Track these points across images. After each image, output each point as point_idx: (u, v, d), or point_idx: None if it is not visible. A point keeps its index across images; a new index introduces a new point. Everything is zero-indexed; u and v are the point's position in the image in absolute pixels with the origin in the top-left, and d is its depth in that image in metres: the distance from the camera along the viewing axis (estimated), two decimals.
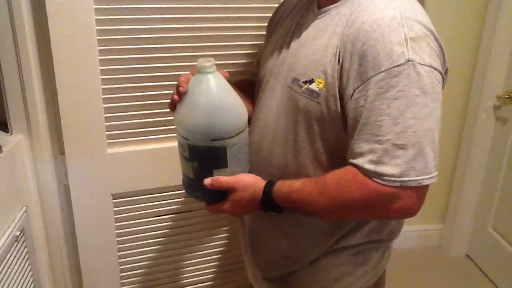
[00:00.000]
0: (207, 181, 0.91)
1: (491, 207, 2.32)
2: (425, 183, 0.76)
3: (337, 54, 0.82)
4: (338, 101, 0.83)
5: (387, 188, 0.76)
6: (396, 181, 0.76)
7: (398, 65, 0.75)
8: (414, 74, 0.75)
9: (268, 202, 0.90)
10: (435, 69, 0.79)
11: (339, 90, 0.82)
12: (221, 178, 0.91)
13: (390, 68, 0.75)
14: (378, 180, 0.77)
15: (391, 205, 0.78)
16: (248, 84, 1.17)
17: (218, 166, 0.90)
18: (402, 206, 0.78)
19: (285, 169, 0.94)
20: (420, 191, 0.78)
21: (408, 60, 0.75)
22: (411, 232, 2.56)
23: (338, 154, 0.86)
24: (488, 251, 2.37)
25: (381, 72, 0.76)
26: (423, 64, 0.76)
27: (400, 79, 0.75)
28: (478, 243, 2.46)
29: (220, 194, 0.93)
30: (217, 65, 0.87)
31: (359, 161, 0.79)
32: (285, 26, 1.02)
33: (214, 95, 0.87)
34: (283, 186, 0.89)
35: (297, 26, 0.96)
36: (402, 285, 2.27)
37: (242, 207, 0.94)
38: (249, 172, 0.96)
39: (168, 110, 0.96)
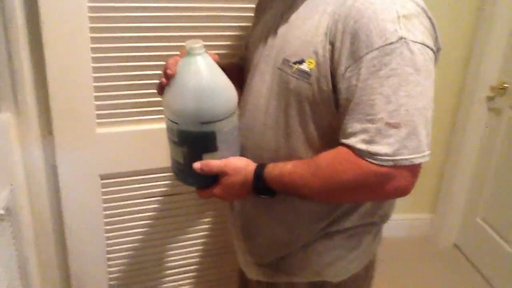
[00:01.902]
0: (197, 165, 0.90)
1: (481, 198, 2.33)
2: (418, 161, 0.76)
3: (329, 33, 0.81)
4: (330, 82, 0.82)
5: (380, 167, 0.76)
6: (388, 160, 0.75)
7: (390, 43, 0.74)
8: (407, 51, 0.75)
9: (260, 185, 0.89)
10: (428, 46, 0.78)
11: (330, 70, 0.81)
12: (211, 162, 0.90)
13: (382, 46, 0.75)
14: (370, 160, 0.76)
15: (384, 185, 0.78)
16: (236, 67, 1.16)
17: (208, 150, 0.89)
18: (395, 185, 0.78)
19: (277, 153, 0.93)
20: (413, 169, 0.78)
21: (401, 38, 0.75)
22: (401, 221, 2.57)
23: (330, 137, 0.86)
24: (477, 241, 2.39)
25: (373, 50, 0.75)
26: (415, 42, 0.76)
27: (393, 57, 0.74)
28: (466, 233, 2.48)
29: (211, 179, 0.92)
30: (205, 47, 0.86)
31: (351, 141, 0.78)
32: (274, 7, 1.00)
33: (204, 77, 0.86)
34: (275, 169, 0.88)
35: (287, 7, 0.94)
36: (390, 274, 2.28)
37: (234, 191, 0.93)
38: (240, 156, 0.95)
39: None
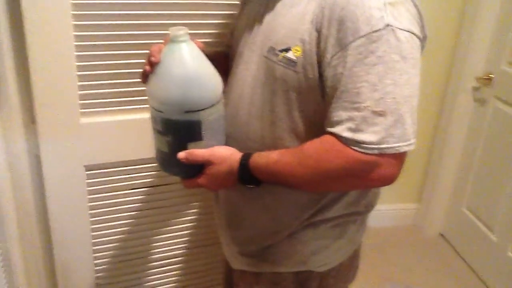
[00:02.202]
0: (181, 154, 0.89)
1: (466, 188, 2.36)
2: (403, 150, 0.76)
3: (315, 21, 0.80)
4: (316, 70, 0.81)
5: (366, 156, 0.76)
6: (374, 148, 0.75)
7: (377, 30, 0.74)
8: (393, 39, 0.74)
9: (245, 175, 0.88)
10: (414, 34, 0.78)
11: (317, 57, 0.80)
12: (196, 151, 0.89)
13: (369, 33, 0.74)
14: (356, 148, 0.76)
15: (370, 173, 0.77)
16: (221, 55, 1.15)
17: (192, 139, 0.88)
18: (381, 173, 0.77)
19: (262, 142, 0.93)
20: (399, 158, 0.77)
21: (387, 25, 0.74)
22: (387, 211, 2.59)
23: (316, 125, 0.85)
24: (462, 230, 2.42)
25: (360, 37, 0.74)
26: (402, 29, 0.75)
27: (379, 44, 0.74)
28: (452, 222, 2.50)
29: (196, 168, 0.91)
30: (190, 35, 0.84)
31: (337, 129, 0.77)
32: None
33: (188, 65, 0.85)
34: (260, 158, 0.87)
35: None
36: (378, 263, 2.30)
37: (219, 180, 0.92)
38: (226, 145, 0.94)
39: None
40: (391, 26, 0.74)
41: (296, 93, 0.85)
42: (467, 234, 2.37)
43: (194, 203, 1.55)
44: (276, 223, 0.98)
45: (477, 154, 2.27)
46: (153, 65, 0.87)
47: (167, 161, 0.92)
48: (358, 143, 0.76)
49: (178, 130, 0.87)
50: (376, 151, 0.75)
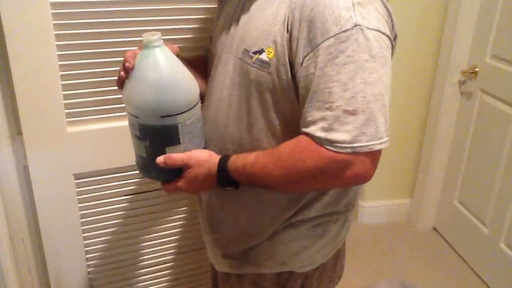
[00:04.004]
0: (160, 159, 0.89)
1: (457, 181, 2.37)
2: (376, 148, 0.77)
3: (286, 22, 0.81)
4: (289, 71, 0.82)
5: (340, 155, 0.76)
6: (347, 147, 0.76)
7: (345, 30, 0.75)
8: (362, 38, 0.75)
9: (223, 177, 0.89)
10: (383, 33, 0.78)
11: (289, 59, 0.81)
12: (174, 155, 0.89)
13: (338, 34, 0.75)
14: (330, 148, 0.77)
15: (344, 172, 0.78)
16: (201, 60, 1.15)
17: (170, 143, 0.88)
18: (355, 172, 0.78)
19: (241, 144, 0.94)
20: (372, 156, 0.78)
21: (356, 25, 0.75)
22: (381, 207, 2.60)
23: (292, 126, 0.86)
24: (454, 223, 2.43)
25: (329, 38, 0.75)
26: (371, 29, 0.76)
27: (349, 44, 0.75)
28: (444, 216, 2.52)
29: (175, 172, 0.92)
30: (170, 40, 0.85)
31: (311, 129, 0.78)
32: None
33: (162, 69, 0.85)
34: (238, 160, 0.88)
35: None
36: (371, 259, 2.31)
37: (198, 183, 0.92)
38: (205, 148, 0.95)
39: None
40: (359, 25, 0.75)
41: (271, 94, 0.86)
42: (459, 227, 2.39)
43: (183, 208, 1.56)
44: (256, 225, 0.99)
45: (466, 147, 2.29)
46: (128, 70, 0.87)
47: (146, 166, 0.93)
48: (331, 142, 0.76)
49: (155, 135, 0.88)
50: (349, 150, 0.76)
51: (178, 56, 0.91)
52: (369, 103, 0.75)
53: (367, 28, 0.76)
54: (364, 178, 0.80)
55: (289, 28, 0.80)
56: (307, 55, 0.78)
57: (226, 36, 0.97)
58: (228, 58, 0.94)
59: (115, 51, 1.26)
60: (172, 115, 0.85)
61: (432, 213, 2.58)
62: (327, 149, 0.77)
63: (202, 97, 1.03)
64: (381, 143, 0.77)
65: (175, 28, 1.31)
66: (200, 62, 1.13)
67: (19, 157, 1.32)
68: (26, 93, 1.21)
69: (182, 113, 0.86)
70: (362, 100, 0.75)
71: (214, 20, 1.15)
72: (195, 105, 0.89)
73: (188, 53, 1.23)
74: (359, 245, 2.34)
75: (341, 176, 0.79)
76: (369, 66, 0.75)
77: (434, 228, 2.60)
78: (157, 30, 1.26)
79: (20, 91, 1.20)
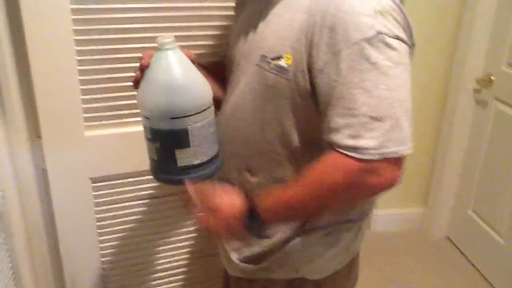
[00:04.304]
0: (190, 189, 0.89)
1: (471, 190, 2.35)
2: (403, 153, 0.77)
3: (306, 28, 0.81)
4: (307, 77, 0.82)
5: (368, 163, 0.76)
6: (376, 153, 0.76)
7: (368, 37, 0.75)
8: (385, 46, 0.76)
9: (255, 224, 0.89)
10: (403, 41, 0.79)
11: (308, 65, 0.82)
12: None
13: (360, 40, 0.75)
14: (357, 155, 0.76)
15: (373, 179, 0.78)
16: (218, 65, 1.16)
17: (179, 146, 0.88)
18: (384, 178, 0.78)
19: (254, 148, 0.95)
20: (399, 161, 0.78)
21: (378, 32, 0.76)
22: (393, 216, 2.59)
23: (307, 134, 0.87)
24: (468, 233, 2.41)
25: (352, 44, 0.76)
26: (391, 37, 0.77)
27: (371, 51, 0.75)
28: (458, 225, 2.50)
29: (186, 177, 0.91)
30: (189, 47, 0.86)
31: (336, 137, 0.78)
32: (252, 5, 1.00)
33: (172, 71, 0.86)
34: (266, 199, 0.88)
35: (265, 3, 0.94)
36: (383, 267, 2.30)
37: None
38: (219, 152, 0.95)
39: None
40: (381, 33, 0.76)
41: (287, 100, 0.86)
42: (473, 236, 2.37)
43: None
44: (269, 230, 0.98)
45: (480, 156, 2.27)
46: (142, 69, 0.88)
47: (158, 168, 0.93)
48: (359, 149, 0.76)
49: (165, 136, 0.88)
50: (377, 156, 0.76)
51: (193, 61, 0.92)
52: (394, 108, 0.76)
53: (388, 36, 0.76)
54: (392, 184, 0.80)
55: (309, 34, 0.81)
56: (328, 61, 0.78)
57: (244, 42, 0.97)
58: (245, 64, 0.95)
59: (133, 57, 1.27)
60: (181, 117, 0.85)
61: (446, 222, 2.56)
62: (353, 158, 0.77)
63: (219, 102, 1.05)
64: (407, 148, 0.78)
65: (193, 35, 1.33)
66: (217, 68, 1.14)
67: (38, 160, 1.34)
68: (46, 97, 1.23)
69: (191, 115, 0.85)
70: (387, 106, 0.76)
71: (231, 26, 1.17)
72: (206, 109, 0.88)
73: (205, 59, 1.25)
74: (371, 253, 2.32)
75: (370, 185, 0.79)
76: (392, 73, 0.76)
77: (448, 237, 2.58)
78: (175, 36, 1.29)
79: (40, 95, 1.23)
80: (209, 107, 0.89)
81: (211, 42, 1.35)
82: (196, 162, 0.89)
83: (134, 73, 0.93)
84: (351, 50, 0.76)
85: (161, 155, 0.90)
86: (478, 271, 2.31)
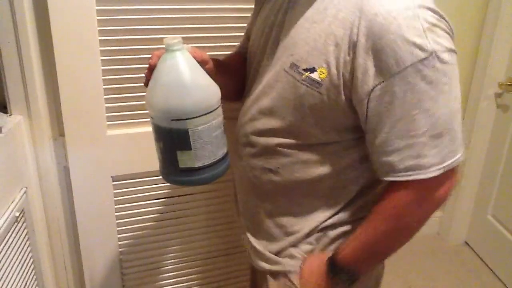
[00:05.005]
0: None
1: (491, 195, 2.32)
2: (460, 160, 0.79)
3: (346, 45, 0.79)
4: (342, 93, 0.81)
5: (433, 179, 0.78)
6: (440, 168, 0.77)
7: (422, 59, 0.74)
8: (439, 63, 0.75)
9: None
10: (453, 51, 0.78)
11: (345, 82, 0.80)
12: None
13: (415, 63, 0.74)
14: (422, 176, 0.78)
15: (439, 193, 0.81)
16: (238, 59, 1.16)
17: (180, 147, 0.86)
18: (447, 188, 0.81)
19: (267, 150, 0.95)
20: (457, 168, 0.80)
21: (432, 51, 0.74)
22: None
23: (332, 138, 0.88)
24: (487, 238, 2.38)
25: (406, 67, 0.74)
26: (444, 51, 0.75)
27: (427, 72, 0.74)
28: (477, 230, 2.47)
29: (192, 177, 0.90)
30: (184, 42, 0.84)
31: (397, 158, 0.79)
32: (275, 2, 0.98)
33: (175, 73, 0.85)
34: (343, 250, 0.90)
35: (290, 2, 0.92)
36: (401, 272, 2.28)
37: None
38: (227, 154, 0.93)
39: None
40: (435, 51, 0.74)
41: (315, 111, 0.85)
42: (492, 242, 2.34)
43: (218, 212, 1.58)
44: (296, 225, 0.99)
45: (501, 161, 2.24)
46: (151, 69, 0.89)
47: (163, 168, 0.93)
48: (423, 167, 0.77)
49: (167, 137, 0.87)
50: (441, 171, 0.77)
51: (207, 62, 0.92)
52: (452, 121, 0.77)
53: (441, 51, 0.75)
54: (453, 189, 0.82)
55: (351, 53, 0.78)
56: (380, 84, 0.76)
57: (266, 41, 0.96)
58: (269, 66, 0.93)
59: None
60: (181, 120, 0.84)
61: (464, 227, 2.53)
62: (419, 180, 0.78)
63: (240, 94, 1.05)
64: (462, 154, 0.79)
65: (215, 36, 1.34)
66: (237, 62, 1.13)
67: (60, 158, 1.37)
68: (70, 97, 1.25)
69: (193, 118, 0.84)
70: (445, 122, 0.76)
71: (251, 21, 1.15)
72: (210, 112, 0.86)
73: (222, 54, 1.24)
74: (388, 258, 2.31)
75: (438, 199, 0.81)
76: (447, 88, 0.76)
77: (466, 243, 2.55)
78: (197, 37, 1.29)
79: (65, 95, 1.25)
80: (213, 110, 0.87)
81: (232, 43, 1.34)
82: (198, 164, 0.88)
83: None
84: (405, 73, 0.74)
85: (164, 155, 0.90)
86: (497, 277, 2.27)
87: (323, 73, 0.82)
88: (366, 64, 0.77)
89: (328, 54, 0.81)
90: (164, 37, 0.84)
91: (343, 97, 0.81)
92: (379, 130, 0.80)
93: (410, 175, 0.78)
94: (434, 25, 0.76)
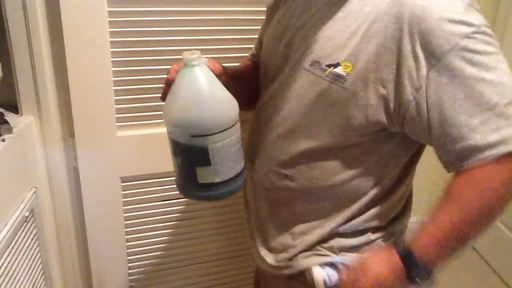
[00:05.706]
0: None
1: None
2: None
3: (382, 36, 0.78)
4: (371, 86, 0.80)
5: None
6: None
7: (472, 32, 0.74)
8: (484, 36, 0.75)
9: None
10: (488, 27, 0.78)
11: (384, 74, 0.79)
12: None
13: (464, 38, 0.74)
14: (507, 149, 0.73)
15: None
16: (252, 67, 1.15)
17: (199, 164, 0.85)
18: None
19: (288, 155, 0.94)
20: None
21: (478, 25, 0.75)
22: (415, 223, 2.55)
23: (354, 134, 0.86)
24: (495, 244, 2.36)
25: (457, 43, 0.74)
26: (484, 25, 0.76)
27: (477, 44, 0.74)
28: (485, 236, 2.45)
29: (205, 192, 0.89)
30: (202, 57, 0.83)
31: (476, 137, 0.75)
32: (290, 3, 0.98)
33: (194, 89, 0.83)
34: (419, 240, 0.85)
35: (307, 3, 0.92)
36: None
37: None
38: (244, 168, 0.91)
39: None
40: (477, 25, 0.75)
41: (334, 107, 0.84)
42: (501, 248, 2.32)
43: (227, 214, 1.58)
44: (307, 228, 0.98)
45: None
46: (168, 83, 0.87)
47: (180, 181, 0.91)
48: (505, 141, 0.73)
49: (185, 153, 0.86)
50: None
51: (221, 75, 0.90)
52: None
53: (482, 25, 0.76)
54: None
55: (395, 43, 0.77)
56: (433, 67, 0.76)
57: (283, 44, 0.95)
58: (288, 66, 0.93)
59: (166, 59, 1.29)
60: (201, 136, 0.83)
61: None
62: (504, 155, 0.74)
63: (253, 102, 1.05)
64: None
65: (226, 38, 1.34)
66: (251, 70, 1.13)
67: (70, 159, 1.37)
68: (81, 97, 1.26)
69: (212, 134, 0.83)
70: (510, 87, 0.75)
71: (263, 26, 1.15)
72: (229, 128, 0.85)
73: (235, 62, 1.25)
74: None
75: None
76: (501, 58, 0.76)
77: (474, 248, 2.53)
78: (209, 39, 1.29)
79: (75, 95, 1.25)
80: (232, 126, 0.86)
81: (244, 45, 1.34)
82: (217, 180, 0.86)
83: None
84: (459, 48, 0.74)
85: (182, 170, 0.88)
86: (505, 282, 2.26)
87: (348, 67, 0.81)
88: (414, 50, 0.76)
89: (353, 47, 0.80)
90: (183, 51, 0.82)
91: (373, 92, 0.80)
92: (445, 116, 0.76)
93: (499, 150, 0.73)
94: (470, 4, 0.77)
